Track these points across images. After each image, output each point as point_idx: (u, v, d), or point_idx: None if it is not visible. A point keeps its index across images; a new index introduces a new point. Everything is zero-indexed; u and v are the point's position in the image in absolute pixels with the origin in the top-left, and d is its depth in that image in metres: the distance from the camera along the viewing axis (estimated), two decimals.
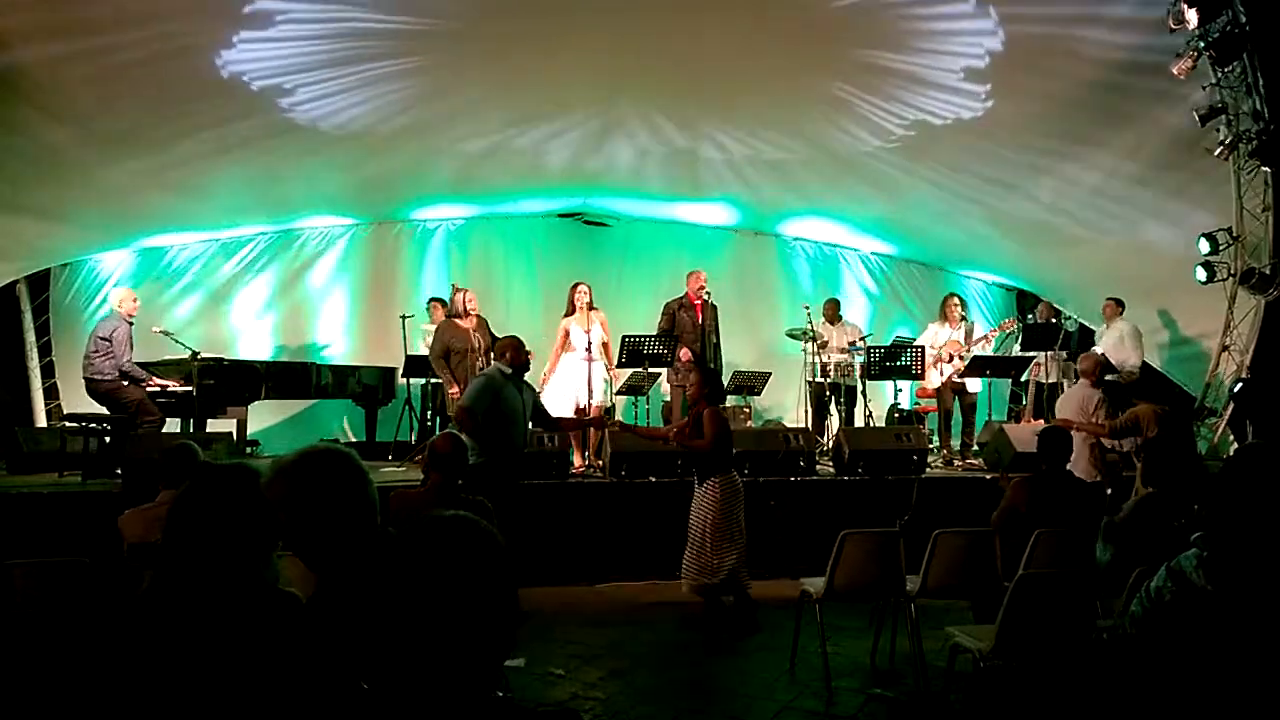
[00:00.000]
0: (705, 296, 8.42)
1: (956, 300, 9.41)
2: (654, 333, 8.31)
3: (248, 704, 1.82)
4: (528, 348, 6.01)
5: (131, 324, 7.54)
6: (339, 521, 2.03)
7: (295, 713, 1.88)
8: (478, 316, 8.25)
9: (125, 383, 7.39)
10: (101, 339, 7.37)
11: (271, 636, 1.88)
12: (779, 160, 9.53)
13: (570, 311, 8.37)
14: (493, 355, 7.73)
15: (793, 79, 7.96)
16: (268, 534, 1.99)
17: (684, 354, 8.17)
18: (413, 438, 9.48)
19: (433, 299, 9.97)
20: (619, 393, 8.43)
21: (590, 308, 8.34)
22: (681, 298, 8.50)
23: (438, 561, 1.99)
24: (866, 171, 9.58)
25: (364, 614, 1.96)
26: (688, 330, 8.28)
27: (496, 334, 8.40)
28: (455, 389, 7.83)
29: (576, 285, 8.46)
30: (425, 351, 8.94)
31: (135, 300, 7.71)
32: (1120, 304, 9.10)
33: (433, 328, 9.25)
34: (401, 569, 1.93)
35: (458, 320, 8.15)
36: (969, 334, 9.12)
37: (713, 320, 8.44)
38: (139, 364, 8.06)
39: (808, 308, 9.36)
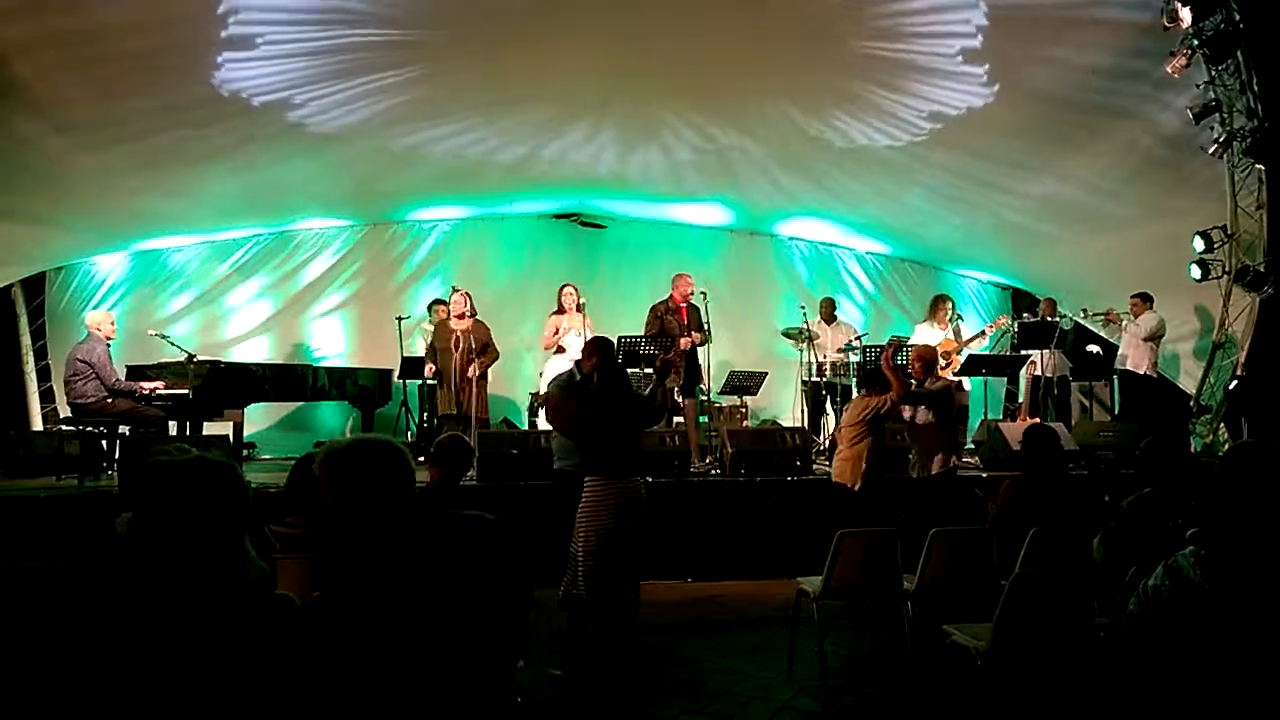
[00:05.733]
0: (696, 299, 8.52)
1: (947, 301, 9.45)
2: (649, 334, 8.34)
3: (222, 706, 1.81)
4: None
5: (109, 344, 7.45)
6: (380, 510, 2.06)
7: (280, 714, 1.87)
8: (474, 319, 8.26)
9: (110, 399, 7.27)
10: (81, 362, 7.20)
11: (258, 639, 1.87)
12: (776, 160, 9.54)
13: (561, 310, 8.44)
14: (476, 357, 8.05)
15: (790, 80, 7.98)
16: (229, 529, 1.93)
17: (684, 342, 8.27)
18: (409, 439, 9.49)
19: (435, 300, 10.00)
20: None
21: (578, 309, 8.42)
22: (666, 300, 8.54)
23: (453, 558, 1.99)
24: (863, 172, 9.60)
25: (375, 609, 1.96)
26: (674, 334, 8.37)
27: (494, 336, 8.47)
28: (430, 368, 8.34)
29: (566, 287, 8.55)
30: (421, 352, 9.01)
31: (113, 323, 7.63)
32: (1146, 299, 8.91)
33: (430, 328, 9.39)
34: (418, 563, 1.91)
35: (450, 321, 8.21)
36: (958, 333, 9.16)
37: (697, 321, 8.49)
38: (132, 367, 8.06)
39: (804, 307, 9.38)
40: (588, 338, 8.26)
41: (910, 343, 8.95)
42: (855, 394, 6.84)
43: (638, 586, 5.02)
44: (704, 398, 8.97)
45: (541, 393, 7.94)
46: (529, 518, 6.05)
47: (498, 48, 7.24)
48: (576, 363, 6.04)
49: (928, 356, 6.29)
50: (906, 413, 6.14)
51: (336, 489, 2.06)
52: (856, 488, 6.03)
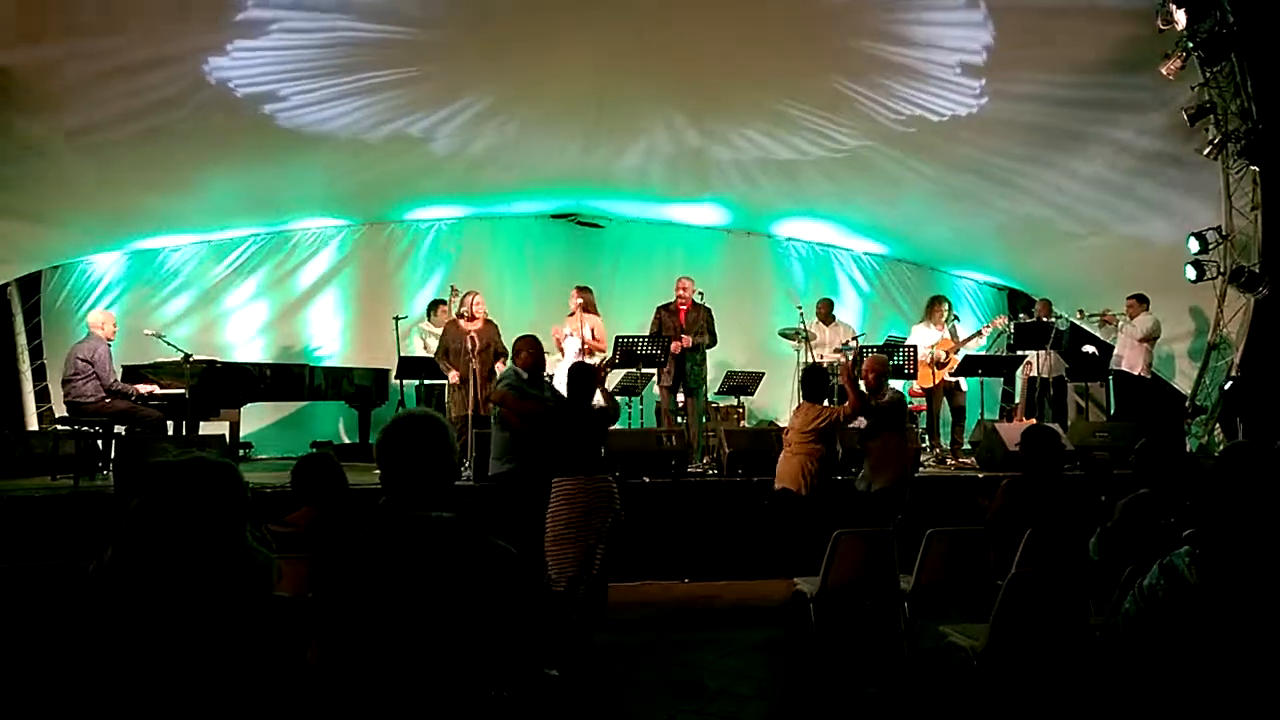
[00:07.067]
0: (696, 298, 8.59)
1: (943, 302, 9.47)
2: (646, 334, 8.37)
3: (218, 705, 1.81)
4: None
5: (110, 344, 7.43)
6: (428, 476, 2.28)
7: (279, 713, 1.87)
8: (485, 319, 8.19)
9: (108, 399, 7.25)
10: (81, 360, 7.17)
11: (254, 638, 1.87)
12: (773, 160, 9.54)
13: (571, 313, 8.53)
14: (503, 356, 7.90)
15: (789, 76, 7.98)
16: (228, 528, 1.93)
17: (674, 346, 8.35)
18: None
19: (435, 300, 9.99)
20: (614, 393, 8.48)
21: (583, 310, 8.45)
22: (671, 302, 8.69)
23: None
24: (860, 171, 9.60)
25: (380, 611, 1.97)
26: (670, 333, 8.48)
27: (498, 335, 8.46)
28: (455, 374, 7.98)
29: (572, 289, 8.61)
30: (419, 352, 8.99)
31: (115, 324, 7.62)
32: (1142, 300, 8.94)
33: (430, 328, 9.37)
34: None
35: (460, 321, 8.17)
36: (954, 333, 9.18)
37: (698, 324, 8.52)
38: (129, 366, 8.04)
39: (800, 308, 9.39)
40: (585, 336, 8.33)
41: (907, 343, 8.99)
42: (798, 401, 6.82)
43: (604, 584, 5.12)
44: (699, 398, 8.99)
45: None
46: (527, 515, 6.06)
47: (497, 47, 7.24)
48: (512, 360, 6.12)
49: (879, 368, 6.31)
50: (860, 422, 6.17)
51: (396, 454, 2.28)
52: (804, 493, 6.01)
